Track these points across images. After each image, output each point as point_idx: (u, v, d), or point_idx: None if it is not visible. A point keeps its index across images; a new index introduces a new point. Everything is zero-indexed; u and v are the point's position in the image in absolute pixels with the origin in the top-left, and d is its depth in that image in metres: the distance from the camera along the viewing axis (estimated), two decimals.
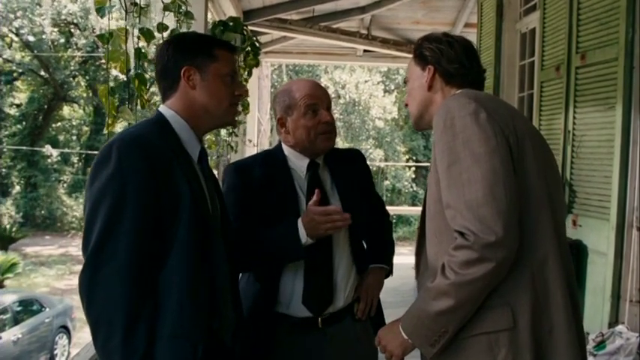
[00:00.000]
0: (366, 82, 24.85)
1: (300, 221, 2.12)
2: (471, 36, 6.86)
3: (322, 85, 2.42)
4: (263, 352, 2.20)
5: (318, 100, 2.26)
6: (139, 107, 2.80)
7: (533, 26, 5.25)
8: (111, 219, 1.59)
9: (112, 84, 2.66)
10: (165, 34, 2.96)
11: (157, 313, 1.63)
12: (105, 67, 2.79)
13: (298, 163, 2.30)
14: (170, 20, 3.10)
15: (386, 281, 2.43)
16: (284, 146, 2.33)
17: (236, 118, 1.99)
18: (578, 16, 4.07)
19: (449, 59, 1.85)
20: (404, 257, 6.20)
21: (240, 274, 2.29)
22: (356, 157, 2.50)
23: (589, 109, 3.97)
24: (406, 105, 1.99)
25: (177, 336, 1.65)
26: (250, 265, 2.26)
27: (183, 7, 3.15)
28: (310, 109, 2.23)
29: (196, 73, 1.81)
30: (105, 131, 2.70)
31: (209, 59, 1.82)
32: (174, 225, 1.67)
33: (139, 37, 2.75)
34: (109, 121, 2.67)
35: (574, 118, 4.12)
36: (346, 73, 24.61)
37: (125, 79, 2.76)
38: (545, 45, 4.70)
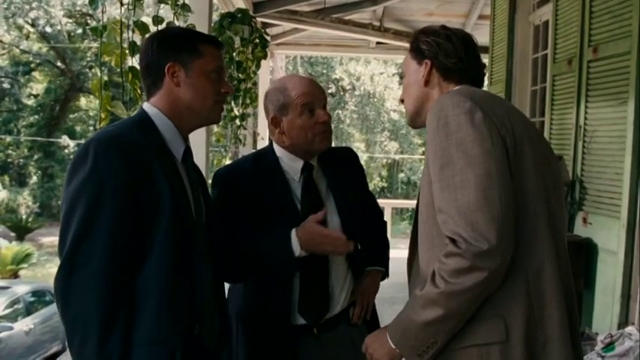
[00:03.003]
0: (381, 74, 24.72)
1: (293, 233, 2.01)
2: (485, 28, 6.77)
3: (318, 81, 2.31)
4: (256, 357, 2.13)
5: (315, 98, 2.12)
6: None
7: (546, 19, 5.16)
8: (87, 221, 1.54)
9: (105, 77, 2.61)
10: (161, 28, 2.89)
11: (134, 318, 1.58)
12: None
13: (292, 165, 2.17)
14: (168, 13, 3.04)
15: (390, 277, 2.36)
16: (276, 147, 2.20)
17: (222, 115, 1.91)
18: (591, 9, 3.99)
19: (447, 53, 1.75)
20: None
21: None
22: (350, 156, 2.38)
23: (601, 103, 3.90)
24: (402, 101, 1.89)
25: (155, 342, 1.59)
26: (236, 277, 2.17)
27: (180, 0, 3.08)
28: (307, 108, 2.09)
29: (181, 69, 1.74)
30: (98, 126, 2.65)
31: (194, 55, 1.74)
32: (153, 227, 1.61)
33: (133, 30, 2.69)
34: (103, 116, 2.62)
35: (585, 112, 4.05)
36: (361, 65, 24.49)
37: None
38: (557, 38, 4.61)
